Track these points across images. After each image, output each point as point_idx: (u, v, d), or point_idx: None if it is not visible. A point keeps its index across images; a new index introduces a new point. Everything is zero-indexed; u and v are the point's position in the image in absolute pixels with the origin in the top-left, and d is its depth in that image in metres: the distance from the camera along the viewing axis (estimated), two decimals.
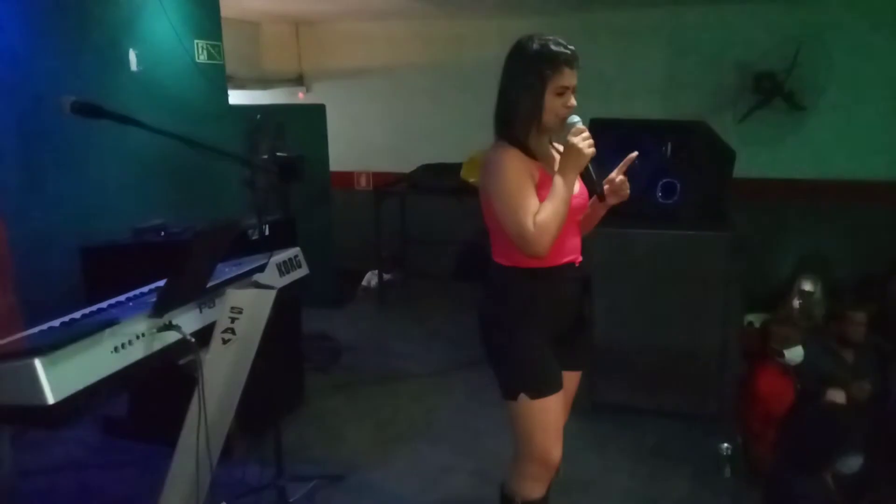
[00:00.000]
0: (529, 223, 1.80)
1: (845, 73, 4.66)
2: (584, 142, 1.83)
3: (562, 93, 1.85)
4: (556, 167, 1.89)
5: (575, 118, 1.87)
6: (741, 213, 3.60)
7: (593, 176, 1.91)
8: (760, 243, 4.64)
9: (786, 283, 4.70)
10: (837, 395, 3.07)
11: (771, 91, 4.71)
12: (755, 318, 4.19)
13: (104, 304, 1.98)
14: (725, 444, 2.99)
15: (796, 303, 4.27)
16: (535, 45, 1.86)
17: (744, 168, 3.73)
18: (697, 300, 3.32)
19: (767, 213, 4.72)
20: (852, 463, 2.78)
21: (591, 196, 2.03)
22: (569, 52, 1.85)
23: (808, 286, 4.44)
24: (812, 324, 3.83)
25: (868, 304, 3.63)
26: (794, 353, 3.42)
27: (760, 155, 4.70)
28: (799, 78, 4.66)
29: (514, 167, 1.84)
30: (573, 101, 1.88)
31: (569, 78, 1.85)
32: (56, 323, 1.77)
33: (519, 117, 1.89)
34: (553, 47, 1.84)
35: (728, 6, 4.80)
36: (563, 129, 1.89)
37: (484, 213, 1.99)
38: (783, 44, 4.63)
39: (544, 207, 1.82)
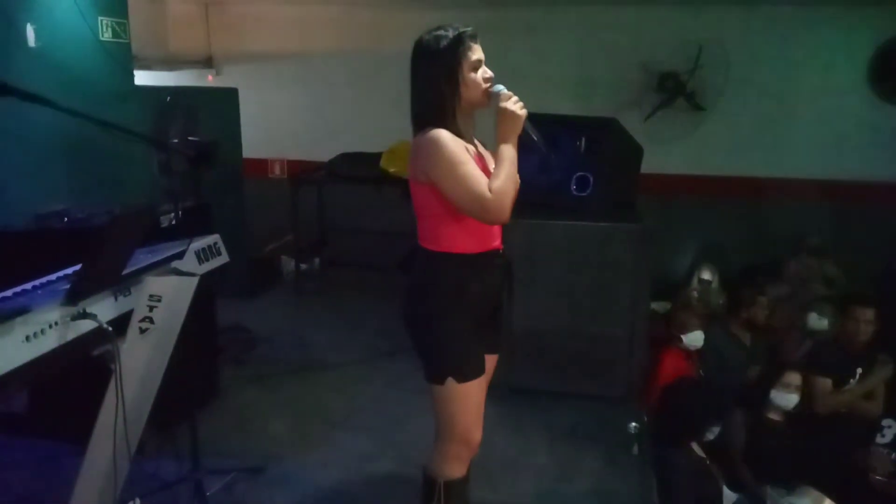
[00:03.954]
0: (486, 191, 1.85)
1: (740, 77, 4.99)
2: (515, 104, 1.92)
3: (477, 66, 1.95)
4: (496, 141, 1.95)
5: (499, 87, 1.96)
6: (646, 207, 3.80)
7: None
8: (665, 235, 4.92)
9: (686, 272, 5.00)
10: (793, 378, 3.30)
11: (674, 91, 4.98)
12: (658, 307, 4.44)
13: (9, 293, 1.86)
14: (633, 424, 3.16)
15: (695, 291, 4.55)
16: (436, 33, 1.93)
17: (649, 164, 3.92)
18: (608, 288, 3.48)
19: (670, 206, 4.99)
20: (714, 430, 3.04)
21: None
22: (468, 28, 1.95)
23: (706, 275, 4.75)
24: (710, 311, 4.09)
25: (768, 289, 3.95)
26: (693, 338, 3.65)
27: (664, 152, 4.95)
28: (700, 79, 4.96)
29: (452, 143, 1.88)
30: (489, 72, 1.97)
31: (477, 51, 1.95)
32: None
33: (443, 102, 1.93)
34: (452, 31, 1.93)
35: (635, 7, 5.02)
36: (490, 101, 1.95)
37: (414, 199, 2.01)
38: (686, 46, 4.90)
39: (496, 174, 1.88)
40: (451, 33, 1.92)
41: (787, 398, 3.28)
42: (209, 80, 5.87)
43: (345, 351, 4.22)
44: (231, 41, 5.88)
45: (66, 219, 2.90)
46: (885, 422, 3.40)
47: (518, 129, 1.93)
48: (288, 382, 3.80)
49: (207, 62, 5.91)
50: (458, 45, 1.91)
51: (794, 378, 3.31)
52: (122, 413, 1.88)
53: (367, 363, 4.07)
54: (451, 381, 2.00)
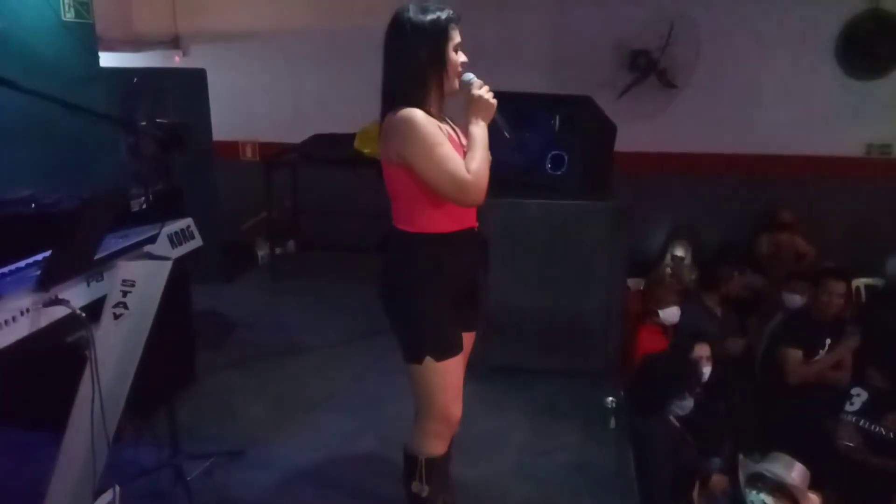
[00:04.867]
0: (465, 172, 1.86)
1: (711, 54, 5.02)
2: (488, 93, 1.96)
3: (457, 50, 1.96)
4: (466, 122, 1.97)
5: (469, 75, 1.98)
6: (620, 184, 3.82)
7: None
8: (638, 212, 4.96)
9: (660, 249, 5.06)
10: (702, 350, 3.36)
11: (646, 69, 4.99)
12: (633, 283, 4.49)
13: None
14: (610, 398, 3.20)
15: (668, 268, 4.62)
16: (421, 11, 1.92)
17: (622, 141, 3.93)
18: (584, 265, 3.51)
19: (643, 184, 5.02)
20: (685, 405, 3.09)
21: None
22: (451, 11, 1.95)
23: (679, 251, 4.82)
24: (683, 286, 4.15)
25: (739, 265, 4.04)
26: (669, 314, 3.71)
27: (637, 129, 4.97)
28: (672, 57, 4.97)
29: (428, 124, 1.87)
30: (464, 57, 1.99)
31: (458, 35, 1.96)
32: None
33: (425, 80, 1.92)
34: (440, 11, 1.93)
35: None
36: (461, 88, 1.98)
37: (387, 180, 2.00)
38: (658, 22, 4.91)
39: (472, 157, 1.90)
40: (436, 12, 1.91)
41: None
42: (176, 61, 5.75)
43: (322, 333, 4.21)
44: (198, 20, 5.74)
45: (33, 204, 2.83)
46: (854, 390, 3.50)
47: (490, 117, 1.98)
48: (266, 366, 3.78)
49: (174, 42, 5.77)
50: (447, 24, 1.91)
51: (704, 350, 3.33)
52: (98, 400, 1.86)
53: (345, 345, 4.06)
54: (429, 360, 2.00)
